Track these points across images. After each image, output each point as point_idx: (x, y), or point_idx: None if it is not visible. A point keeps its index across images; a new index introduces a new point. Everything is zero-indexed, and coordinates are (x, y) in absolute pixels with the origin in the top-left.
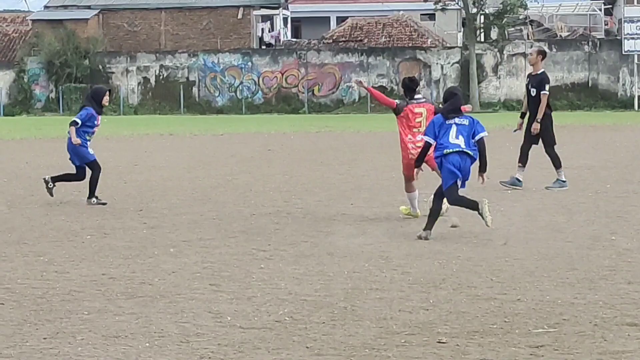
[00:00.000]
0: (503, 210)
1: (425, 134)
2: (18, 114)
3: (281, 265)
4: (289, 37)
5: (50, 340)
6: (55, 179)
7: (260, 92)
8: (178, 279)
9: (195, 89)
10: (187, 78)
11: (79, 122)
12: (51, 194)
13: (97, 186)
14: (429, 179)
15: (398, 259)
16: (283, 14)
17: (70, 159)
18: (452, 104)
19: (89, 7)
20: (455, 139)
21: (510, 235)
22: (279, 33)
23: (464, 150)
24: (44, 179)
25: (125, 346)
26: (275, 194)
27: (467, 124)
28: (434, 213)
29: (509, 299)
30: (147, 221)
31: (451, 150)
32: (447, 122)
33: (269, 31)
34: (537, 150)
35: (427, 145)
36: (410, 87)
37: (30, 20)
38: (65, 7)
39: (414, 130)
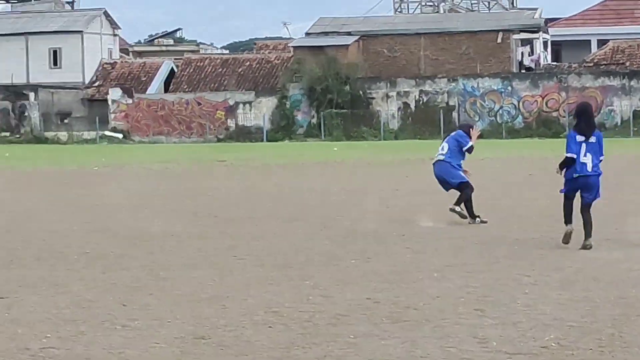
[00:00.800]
0: None
1: (568, 151)
2: (281, 139)
3: (546, 291)
4: (549, 61)
5: None
6: (469, 211)
7: (520, 116)
8: (442, 303)
9: (455, 114)
10: (447, 103)
11: (471, 145)
12: (463, 216)
13: (473, 205)
14: None
15: None
16: (543, 38)
17: (441, 184)
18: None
19: (349, 34)
20: (584, 157)
21: None
22: (539, 57)
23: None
24: (454, 210)
25: None
26: (539, 218)
27: (594, 141)
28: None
29: None
30: (410, 245)
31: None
32: (577, 140)
33: (529, 55)
34: None
35: (569, 160)
36: None
37: (292, 47)
38: (326, 33)
39: None
